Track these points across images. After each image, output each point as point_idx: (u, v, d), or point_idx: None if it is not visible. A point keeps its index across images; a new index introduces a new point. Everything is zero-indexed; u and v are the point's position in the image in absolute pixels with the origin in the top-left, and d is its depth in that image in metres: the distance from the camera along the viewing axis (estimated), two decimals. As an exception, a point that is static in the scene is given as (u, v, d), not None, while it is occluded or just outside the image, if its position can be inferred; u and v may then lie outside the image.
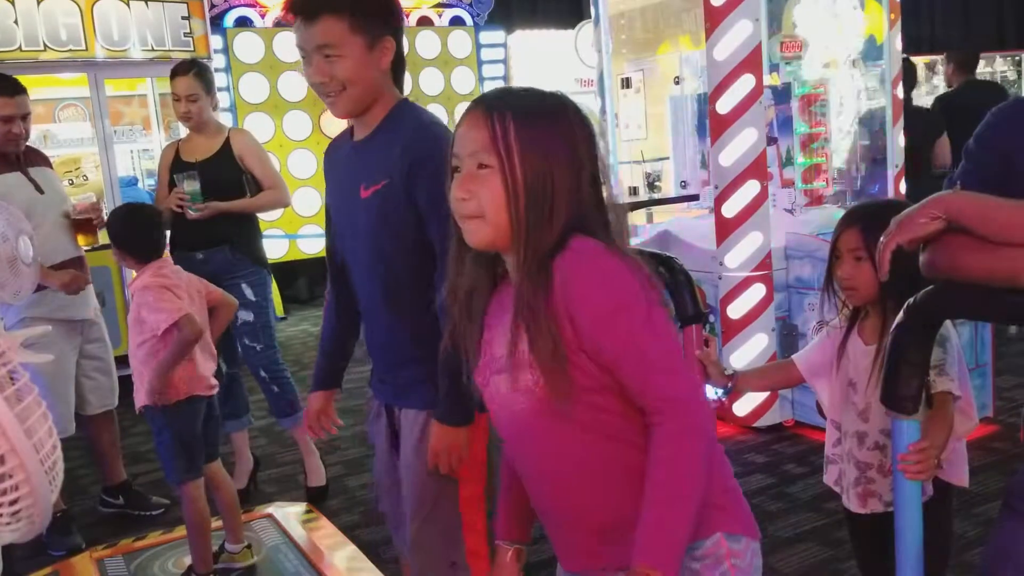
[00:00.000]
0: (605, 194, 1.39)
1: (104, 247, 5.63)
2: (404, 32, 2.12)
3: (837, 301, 2.23)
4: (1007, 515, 1.66)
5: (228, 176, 3.90)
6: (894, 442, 1.74)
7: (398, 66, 2.10)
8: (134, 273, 3.34)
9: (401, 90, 2.14)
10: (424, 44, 8.91)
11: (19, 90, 3.56)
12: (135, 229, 3.17)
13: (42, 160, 3.80)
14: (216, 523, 3.35)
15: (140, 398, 3.09)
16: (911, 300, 1.56)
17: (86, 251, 3.82)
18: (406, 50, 2.18)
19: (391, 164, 2.00)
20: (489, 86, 9.35)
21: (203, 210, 3.81)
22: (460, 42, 9.18)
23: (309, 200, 8.36)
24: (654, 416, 1.31)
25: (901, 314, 1.58)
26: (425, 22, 8.95)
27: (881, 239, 1.51)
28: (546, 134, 1.34)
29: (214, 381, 3.22)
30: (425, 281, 2.02)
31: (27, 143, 3.70)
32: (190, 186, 3.82)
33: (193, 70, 3.86)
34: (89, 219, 3.70)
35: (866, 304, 2.17)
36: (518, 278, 1.37)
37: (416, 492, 2.15)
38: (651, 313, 1.31)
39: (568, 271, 1.31)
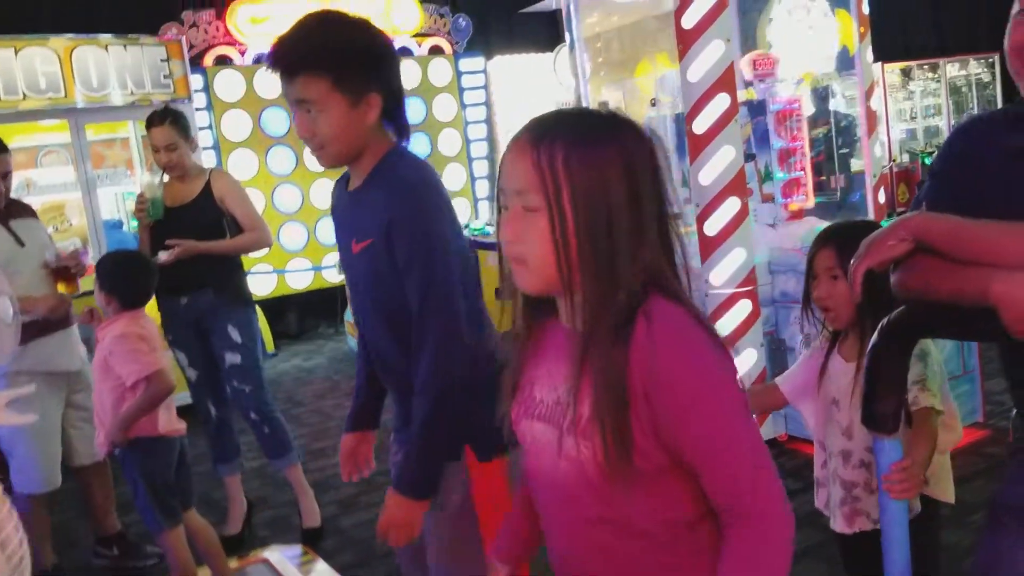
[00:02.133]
0: (675, 232, 1.25)
1: (88, 294, 5.63)
2: (399, 78, 2.02)
3: (816, 321, 2.25)
4: (993, 528, 1.67)
5: (209, 219, 3.90)
6: (877, 462, 1.74)
7: (393, 112, 2.01)
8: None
9: (402, 133, 2.05)
10: (404, 74, 8.86)
11: (1, 149, 3.57)
12: (125, 274, 3.19)
13: (26, 212, 3.80)
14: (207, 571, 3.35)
15: (101, 442, 3.11)
16: (884, 321, 1.58)
17: (75, 297, 3.81)
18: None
19: (376, 223, 1.95)
20: (471, 112, 9.42)
21: (176, 250, 3.79)
22: (440, 70, 9.24)
23: (295, 235, 8.38)
24: (735, 518, 1.21)
25: (875, 335, 1.60)
26: (405, 52, 9.00)
27: (852, 261, 1.54)
28: (602, 168, 1.18)
29: (180, 425, 3.23)
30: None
31: (11, 192, 3.71)
32: (151, 191, 3.81)
33: (168, 119, 3.85)
34: (67, 267, 3.67)
35: (845, 325, 2.18)
36: (573, 327, 1.25)
37: (440, 547, 2.06)
38: (735, 404, 1.20)
39: (652, 346, 1.17)
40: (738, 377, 1.23)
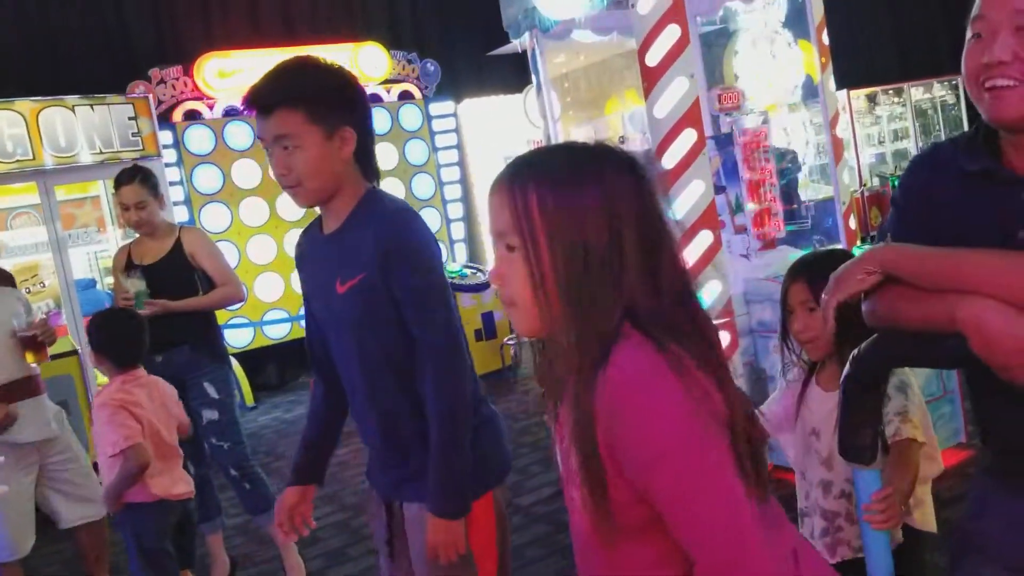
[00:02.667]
0: (667, 261, 1.20)
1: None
2: (370, 120, 2.09)
3: (793, 355, 2.24)
4: (958, 561, 1.65)
5: (180, 277, 3.89)
6: (857, 492, 1.74)
7: (365, 154, 2.06)
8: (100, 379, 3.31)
9: (372, 177, 2.10)
10: (375, 120, 8.94)
11: (132, 179, 3.63)
12: (113, 334, 3.16)
13: (4, 279, 3.77)
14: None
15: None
16: (855, 351, 1.58)
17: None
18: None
19: (365, 258, 1.97)
20: (443, 156, 9.46)
21: (152, 308, 3.75)
22: (411, 116, 9.28)
23: (271, 285, 8.34)
24: (713, 574, 1.14)
25: (848, 366, 1.60)
26: (375, 99, 9.04)
27: (823, 296, 1.54)
28: (577, 207, 1.16)
29: (186, 487, 3.19)
30: (413, 376, 2.00)
31: None
32: (134, 286, 3.80)
33: (137, 177, 3.86)
34: (34, 336, 3.61)
35: (825, 355, 2.18)
36: (572, 376, 1.20)
37: None
38: (703, 460, 1.12)
39: (609, 398, 1.12)
40: (711, 429, 1.13)
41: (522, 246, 1.17)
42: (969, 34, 1.49)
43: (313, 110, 1.93)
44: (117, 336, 3.18)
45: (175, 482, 3.17)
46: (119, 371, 3.12)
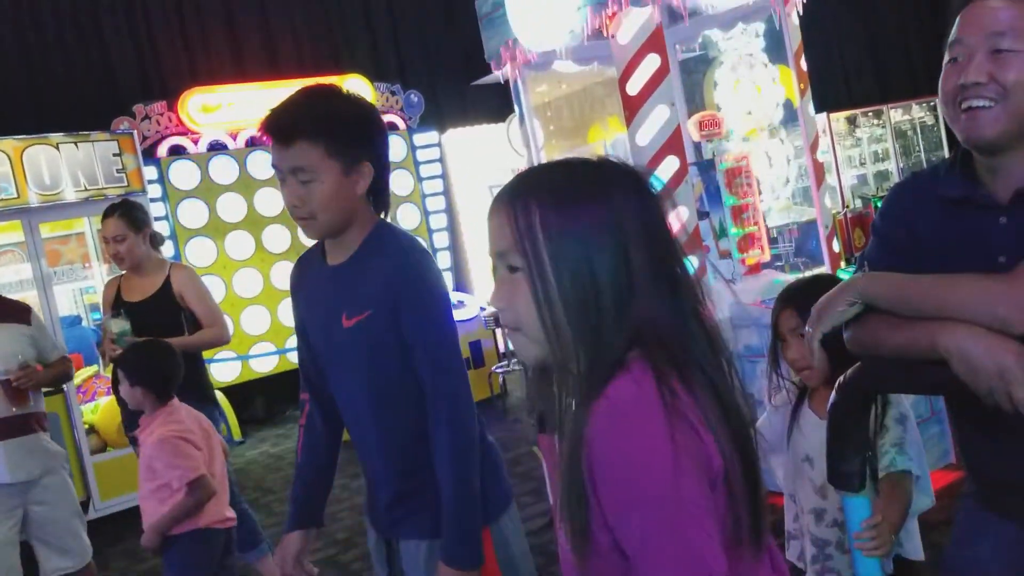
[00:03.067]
0: (680, 278, 1.14)
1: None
2: (387, 153, 2.05)
3: (781, 380, 2.25)
4: None
5: (167, 316, 3.88)
6: (847, 520, 1.74)
7: (380, 189, 2.03)
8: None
9: (383, 209, 2.07)
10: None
11: (112, 213, 3.65)
12: (155, 367, 3.12)
13: (11, 316, 3.71)
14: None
15: (146, 536, 3.05)
16: (841, 378, 1.59)
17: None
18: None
19: (375, 294, 1.94)
20: (428, 185, 9.48)
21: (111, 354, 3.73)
22: (395, 146, 9.30)
23: (258, 319, 8.31)
24: None
25: (834, 393, 1.61)
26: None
27: (807, 328, 1.56)
28: (581, 225, 1.10)
29: (231, 513, 3.18)
30: (417, 410, 1.97)
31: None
32: (118, 326, 3.78)
33: (118, 211, 3.88)
34: (8, 380, 3.56)
35: (820, 382, 2.18)
36: (577, 405, 1.13)
37: None
38: (676, 514, 1.04)
39: (595, 431, 1.06)
40: (691, 477, 1.05)
41: (525, 266, 1.12)
42: (946, 58, 1.52)
43: (333, 144, 1.90)
44: (160, 368, 3.12)
45: (223, 508, 3.17)
46: (161, 404, 3.09)
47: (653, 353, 1.10)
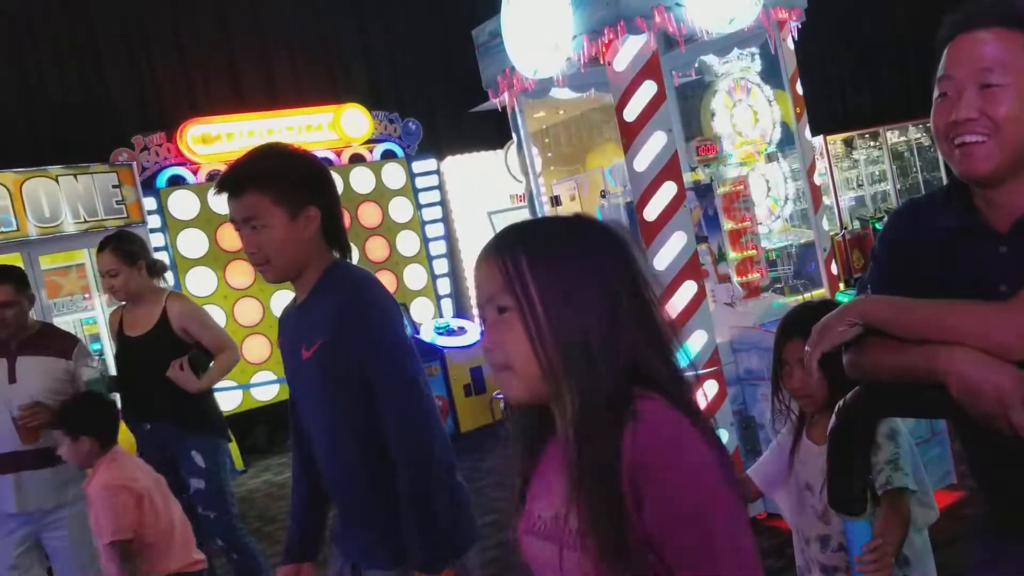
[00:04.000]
0: (660, 323, 1.21)
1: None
2: (336, 199, 2.21)
3: (783, 406, 2.25)
4: None
5: (166, 350, 3.86)
6: (849, 544, 1.74)
7: (333, 230, 2.17)
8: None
9: (344, 251, 2.21)
10: (359, 180, 9.06)
11: (3, 280, 3.60)
12: (95, 415, 3.17)
13: (52, 349, 3.71)
14: None
15: None
16: (840, 403, 1.59)
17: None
18: (340, 190, 2.29)
19: (325, 323, 2.07)
20: (427, 213, 9.51)
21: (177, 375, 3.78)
22: (394, 174, 9.35)
23: (258, 348, 8.31)
24: None
25: (833, 418, 1.61)
26: (357, 159, 9.12)
27: (806, 348, 1.56)
28: (567, 264, 1.18)
29: (200, 555, 3.18)
30: (380, 438, 2.04)
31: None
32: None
33: (110, 246, 3.87)
34: (14, 418, 3.54)
35: (820, 409, 2.18)
36: (566, 437, 1.19)
37: None
38: (736, 511, 1.13)
39: (643, 451, 1.11)
40: (734, 484, 1.16)
41: (516, 304, 1.17)
42: (936, 93, 1.53)
43: (278, 192, 2.06)
44: (105, 415, 3.18)
45: (191, 552, 3.19)
46: (103, 452, 3.11)
47: (658, 382, 1.17)
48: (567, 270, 1.18)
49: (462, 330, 8.20)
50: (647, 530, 1.11)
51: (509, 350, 1.19)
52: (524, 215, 7.73)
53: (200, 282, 8.05)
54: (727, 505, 1.12)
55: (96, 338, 7.48)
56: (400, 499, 2.01)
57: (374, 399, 2.04)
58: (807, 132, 5.01)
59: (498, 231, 1.28)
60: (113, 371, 4.25)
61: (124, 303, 4.06)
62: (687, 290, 4.34)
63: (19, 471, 3.58)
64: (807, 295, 4.99)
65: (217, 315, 7.81)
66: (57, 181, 6.35)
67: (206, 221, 8.14)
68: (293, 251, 2.10)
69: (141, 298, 3.95)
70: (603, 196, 6.32)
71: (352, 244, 2.26)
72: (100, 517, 2.99)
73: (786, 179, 5.58)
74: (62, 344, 3.79)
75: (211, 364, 3.87)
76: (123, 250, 3.88)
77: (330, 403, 2.11)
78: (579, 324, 1.16)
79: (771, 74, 5.41)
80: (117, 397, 3.91)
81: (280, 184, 2.07)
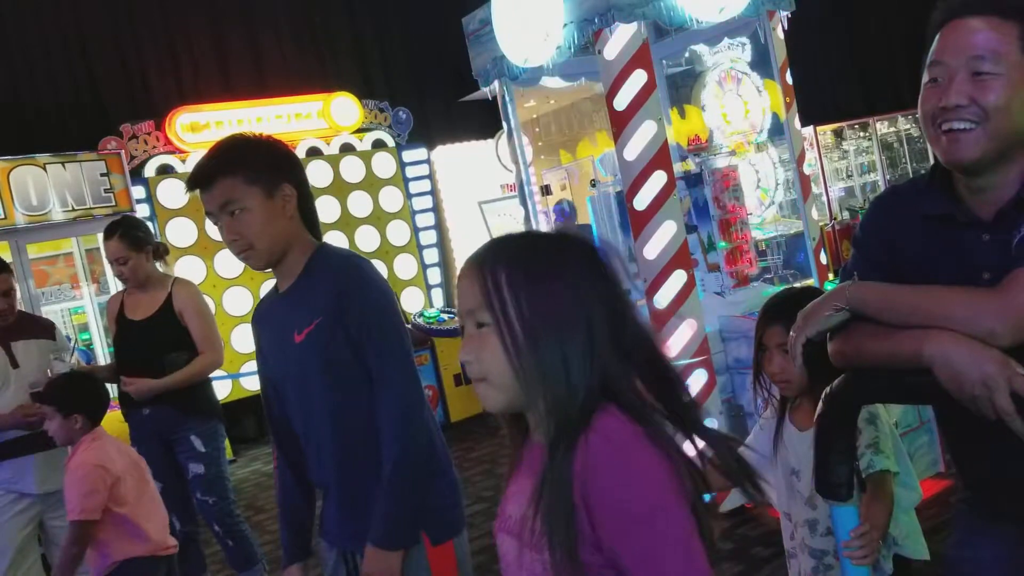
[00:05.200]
0: (633, 333, 1.24)
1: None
2: (306, 181, 2.18)
3: (764, 392, 2.26)
4: None
5: (169, 335, 3.88)
6: (835, 529, 1.75)
7: (307, 212, 2.15)
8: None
9: (317, 236, 2.19)
10: (348, 169, 9.03)
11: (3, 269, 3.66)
12: (86, 393, 3.24)
13: (40, 332, 3.82)
14: None
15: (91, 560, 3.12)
16: (827, 390, 1.60)
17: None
18: (330, 179, 2.27)
19: (321, 303, 2.04)
20: (417, 202, 9.50)
21: (133, 388, 3.78)
22: (384, 163, 9.32)
23: (247, 337, 8.26)
24: None
25: (820, 404, 1.62)
26: (347, 148, 9.09)
27: (791, 333, 1.57)
28: (545, 281, 1.22)
29: (171, 541, 3.22)
30: (373, 422, 2.03)
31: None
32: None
33: (118, 232, 3.86)
34: (36, 393, 3.59)
35: (800, 394, 2.20)
36: (539, 444, 1.24)
37: None
38: (677, 528, 1.15)
39: (591, 460, 1.15)
40: (686, 498, 1.17)
41: (493, 320, 1.21)
42: (926, 78, 1.53)
43: (249, 173, 2.04)
44: (90, 394, 3.23)
45: (165, 537, 3.23)
46: (89, 429, 3.16)
47: (620, 393, 1.20)
48: (546, 289, 1.21)
49: (454, 319, 8.20)
50: (601, 540, 1.15)
51: (486, 363, 1.23)
52: (515, 205, 7.73)
53: (189, 271, 7.97)
54: (674, 521, 1.14)
55: (84, 328, 7.45)
56: (384, 463, 2.01)
57: (369, 387, 2.03)
58: (796, 122, 5.01)
59: (483, 244, 1.31)
60: (89, 363, 4.27)
61: (123, 288, 4.06)
62: (677, 279, 4.35)
63: (36, 452, 3.65)
64: (797, 285, 5.00)
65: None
66: (45, 169, 6.31)
67: (195, 210, 8.09)
68: (275, 233, 2.07)
69: (148, 283, 3.95)
70: (593, 185, 6.32)
71: (342, 233, 2.25)
72: (72, 494, 3.03)
73: (776, 168, 5.59)
74: (43, 327, 3.90)
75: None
76: (131, 237, 3.88)
77: (328, 385, 2.07)
78: (556, 341, 1.19)
79: (761, 64, 5.41)
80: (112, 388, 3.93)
81: (250, 164, 2.05)
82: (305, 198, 2.15)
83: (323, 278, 2.07)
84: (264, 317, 2.25)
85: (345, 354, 2.04)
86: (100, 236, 4.08)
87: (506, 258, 1.24)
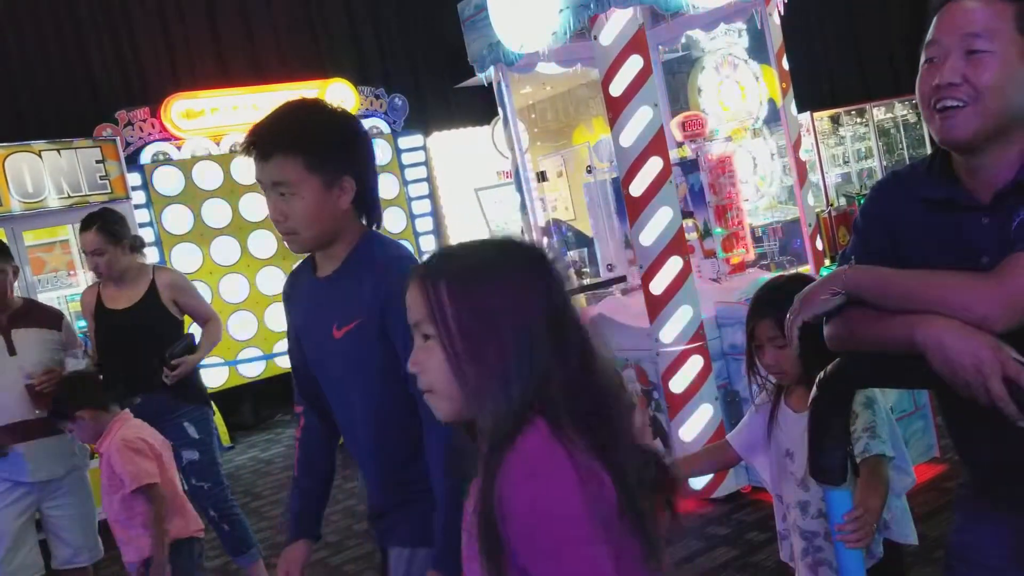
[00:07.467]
0: (572, 336, 1.25)
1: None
2: (372, 164, 2.04)
3: (759, 379, 2.27)
4: (948, 572, 1.69)
5: (157, 319, 3.89)
6: (829, 513, 1.76)
7: (366, 200, 2.01)
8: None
9: (374, 222, 2.05)
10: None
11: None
12: (89, 389, 3.32)
13: (43, 321, 3.79)
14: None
15: (128, 553, 3.23)
16: (821, 375, 1.60)
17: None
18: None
19: (362, 303, 1.93)
20: (414, 189, 9.49)
21: (175, 374, 3.84)
22: (380, 149, 9.29)
23: (245, 324, 8.30)
24: None
25: (814, 389, 1.62)
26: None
27: (788, 316, 1.57)
28: (488, 294, 1.24)
29: (199, 523, 3.38)
30: (410, 421, 1.92)
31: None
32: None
33: (95, 225, 3.85)
34: (32, 385, 3.63)
35: (795, 380, 2.21)
36: (483, 452, 1.24)
37: None
38: (587, 564, 1.14)
39: (506, 480, 1.16)
40: (596, 528, 1.15)
41: (437, 334, 1.24)
42: (923, 59, 1.54)
43: (312, 159, 1.88)
44: (93, 386, 3.32)
45: (191, 519, 3.38)
46: (109, 415, 3.27)
47: (552, 408, 1.21)
48: (488, 300, 1.23)
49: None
50: (516, 556, 1.16)
51: (432, 375, 1.26)
52: (511, 192, 7.71)
53: (185, 258, 8.00)
54: (582, 556, 1.14)
55: (81, 315, 7.44)
56: (434, 488, 1.91)
57: (405, 389, 1.89)
58: (793, 107, 5.01)
59: (428, 255, 1.35)
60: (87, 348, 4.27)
61: (98, 281, 4.06)
62: (673, 265, 4.35)
63: (29, 440, 3.64)
64: (793, 271, 5.01)
65: (202, 292, 7.78)
66: (40, 156, 6.29)
67: (191, 197, 8.10)
68: (324, 223, 1.93)
69: (125, 276, 3.94)
70: (589, 172, 6.31)
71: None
72: (124, 467, 3.12)
73: (772, 156, 5.59)
74: (49, 316, 3.87)
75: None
76: (108, 230, 3.86)
77: (364, 384, 1.97)
78: (497, 352, 1.21)
79: (758, 49, 5.40)
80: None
81: (314, 150, 1.88)
82: (366, 186, 1.98)
83: (368, 274, 1.94)
84: (299, 299, 2.12)
85: (385, 358, 1.93)
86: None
87: (449, 271, 1.26)
